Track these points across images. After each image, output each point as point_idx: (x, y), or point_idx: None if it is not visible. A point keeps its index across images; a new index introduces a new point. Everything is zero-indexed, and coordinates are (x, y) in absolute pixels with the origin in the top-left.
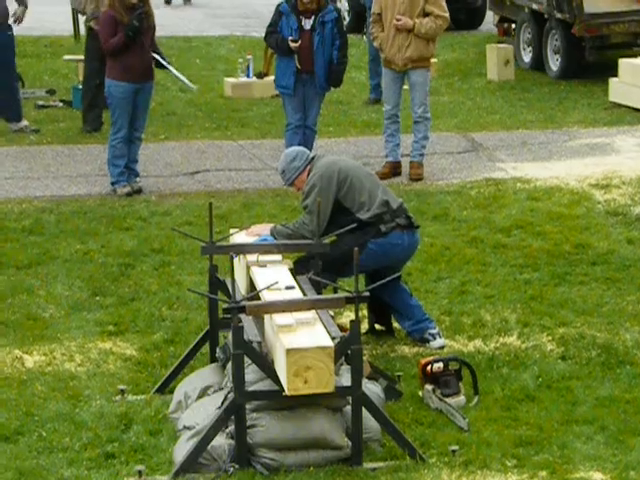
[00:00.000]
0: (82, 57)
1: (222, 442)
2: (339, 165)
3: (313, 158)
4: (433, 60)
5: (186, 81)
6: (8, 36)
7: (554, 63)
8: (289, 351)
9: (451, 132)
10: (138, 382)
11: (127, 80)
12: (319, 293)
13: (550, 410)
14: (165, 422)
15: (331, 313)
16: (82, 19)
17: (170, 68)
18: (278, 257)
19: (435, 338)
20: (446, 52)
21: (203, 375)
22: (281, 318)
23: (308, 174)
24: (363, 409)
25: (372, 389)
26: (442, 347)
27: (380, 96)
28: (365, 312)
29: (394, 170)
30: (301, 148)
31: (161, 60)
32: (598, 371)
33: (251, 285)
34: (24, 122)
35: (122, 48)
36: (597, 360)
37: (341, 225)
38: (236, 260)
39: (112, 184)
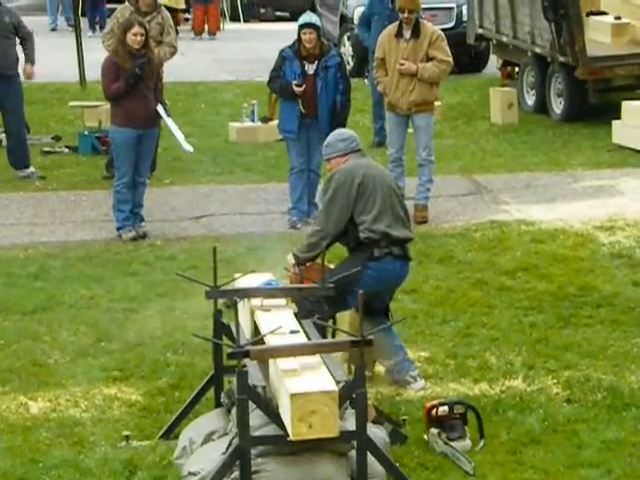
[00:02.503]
0: (88, 103)
1: None
2: (363, 172)
3: (359, 151)
4: (437, 103)
5: (183, 141)
6: (18, 84)
7: (557, 106)
8: (293, 396)
9: (455, 175)
10: (143, 428)
11: (129, 126)
12: (323, 337)
13: (556, 454)
14: (170, 468)
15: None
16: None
17: (169, 124)
18: (282, 301)
19: (416, 380)
20: (450, 95)
21: (208, 420)
22: (285, 362)
23: (344, 162)
24: (368, 453)
25: (377, 433)
26: (423, 389)
27: (384, 139)
28: None
29: None
30: (355, 136)
31: (163, 115)
32: (604, 414)
33: (255, 329)
34: (31, 169)
35: (123, 94)
36: (603, 403)
37: (344, 233)
38: (240, 304)
39: (117, 229)
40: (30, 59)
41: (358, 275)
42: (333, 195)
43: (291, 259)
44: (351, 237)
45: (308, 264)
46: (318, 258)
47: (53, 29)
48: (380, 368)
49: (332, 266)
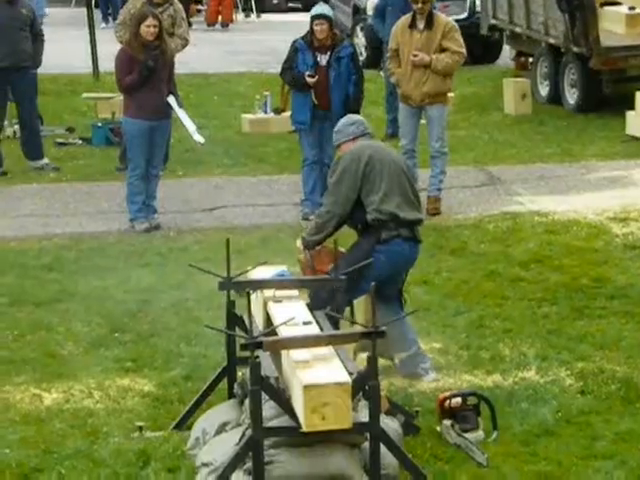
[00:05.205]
0: (101, 95)
1: (240, 479)
2: (370, 153)
3: (368, 135)
4: (450, 94)
5: (194, 132)
6: (32, 75)
7: (571, 96)
8: (306, 387)
9: (468, 166)
10: (156, 418)
11: (142, 118)
12: (336, 328)
13: (569, 445)
14: (183, 459)
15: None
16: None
17: (180, 115)
18: (295, 292)
19: (428, 372)
20: (463, 86)
21: (221, 411)
22: (298, 354)
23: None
24: (381, 445)
25: (390, 425)
26: (435, 380)
27: (397, 131)
28: None
29: None
30: (364, 120)
31: (174, 105)
32: (618, 405)
33: (268, 321)
34: (45, 160)
35: (137, 86)
36: (616, 394)
37: (352, 215)
38: (253, 296)
39: (131, 221)
40: (36, 60)
41: (368, 254)
42: (340, 176)
43: (300, 244)
44: (359, 219)
45: (318, 248)
46: (327, 241)
47: None
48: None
49: (342, 249)
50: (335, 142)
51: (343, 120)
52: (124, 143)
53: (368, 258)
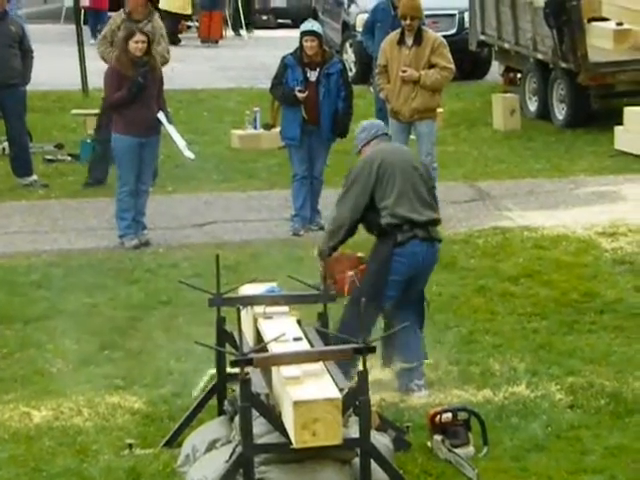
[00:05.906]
0: (90, 111)
1: None
2: (382, 157)
3: (383, 135)
4: (439, 110)
5: (184, 148)
6: (21, 92)
7: (560, 112)
8: (296, 403)
9: (458, 181)
10: (146, 436)
11: (132, 134)
12: (326, 344)
13: (559, 460)
14: (173, 476)
15: None
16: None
17: (170, 131)
18: (285, 308)
19: (420, 390)
20: (452, 102)
21: (211, 428)
22: (288, 370)
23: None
24: (372, 461)
25: (380, 440)
26: (426, 396)
27: None
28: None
29: None
30: (377, 122)
31: (164, 121)
32: (607, 420)
33: (258, 337)
34: (34, 177)
35: (126, 102)
36: (606, 409)
37: (366, 220)
38: (243, 312)
39: (120, 237)
40: (26, 77)
41: (388, 258)
42: (351, 183)
43: (316, 253)
44: (374, 224)
45: (335, 255)
46: (341, 248)
47: None
48: (382, 375)
49: (360, 254)
50: (355, 151)
51: (357, 130)
52: (94, 157)
53: (387, 265)
